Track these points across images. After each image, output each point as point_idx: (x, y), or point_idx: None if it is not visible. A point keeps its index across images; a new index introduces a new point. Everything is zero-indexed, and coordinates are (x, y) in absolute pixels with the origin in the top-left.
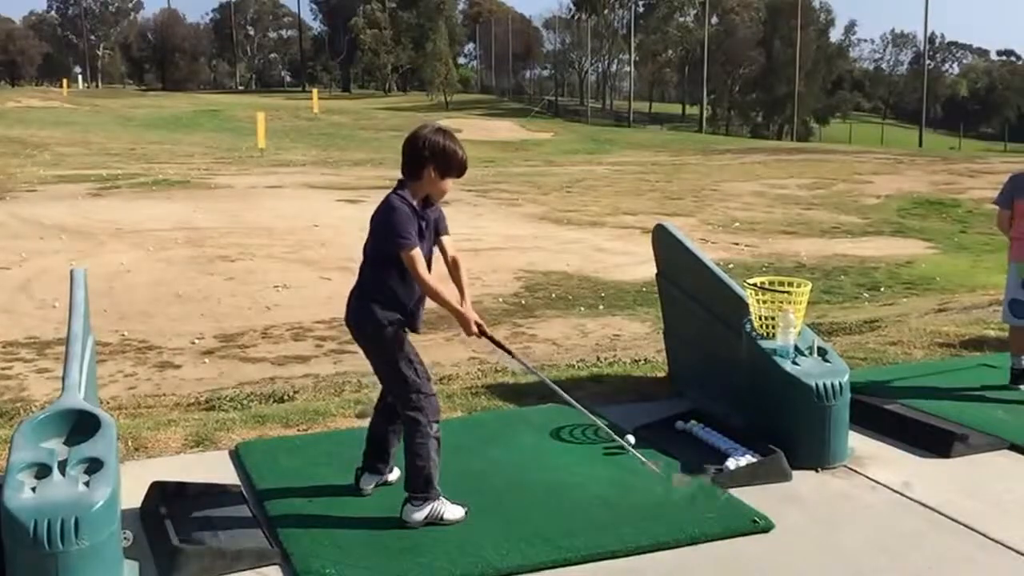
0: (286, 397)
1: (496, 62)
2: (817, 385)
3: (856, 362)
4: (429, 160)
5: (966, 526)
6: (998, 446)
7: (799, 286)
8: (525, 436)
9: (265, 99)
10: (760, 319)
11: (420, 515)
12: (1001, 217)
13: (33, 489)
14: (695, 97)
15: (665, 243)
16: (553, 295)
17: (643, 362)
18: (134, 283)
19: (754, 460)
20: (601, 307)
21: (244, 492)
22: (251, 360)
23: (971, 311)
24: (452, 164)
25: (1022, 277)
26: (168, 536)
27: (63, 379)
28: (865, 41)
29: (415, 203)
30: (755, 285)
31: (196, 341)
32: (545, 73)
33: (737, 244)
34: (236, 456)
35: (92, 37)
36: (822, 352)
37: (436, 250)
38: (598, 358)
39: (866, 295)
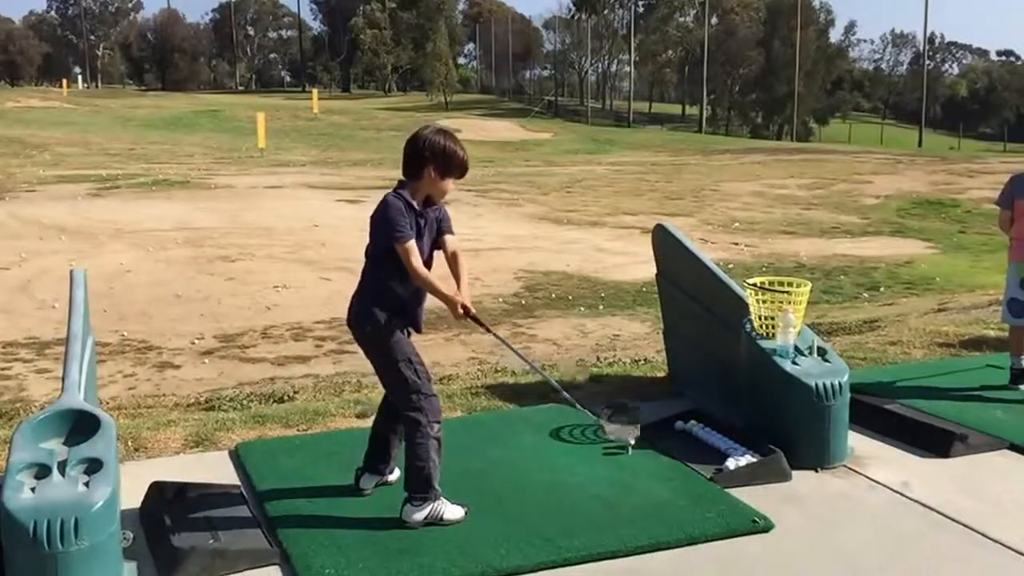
0: (286, 397)
1: (496, 62)
2: (817, 385)
3: (856, 362)
4: (429, 160)
5: (965, 526)
6: (997, 446)
7: (799, 286)
8: (525, 436)
9: (265, 99)
10: (760, 319)
11: (420, 515)
12: (1002, 217)
13: (33, 489)
14: (695, 97)
15: (665, 243)
16: (553, 295)
17: (643, 362)
18: (134, 283)
19: (754, 460)
20: (601, 307)
21: (244, 492)
22: (251, 360)
23: (970, 311)
24: (452, 164)
25: (1021, 276)
26: (168, 536)
27: (63, 379)
28: (865, 41)
29: (414, 202)
30: (755, 285)
31: (196, 341)
32: (545, 73)
33: (737, 244)
34: (236, 456)
35: (92, 37)
36: (822, 352)
37: (439, 252)
38: (598, 358)
39: (866, 295)
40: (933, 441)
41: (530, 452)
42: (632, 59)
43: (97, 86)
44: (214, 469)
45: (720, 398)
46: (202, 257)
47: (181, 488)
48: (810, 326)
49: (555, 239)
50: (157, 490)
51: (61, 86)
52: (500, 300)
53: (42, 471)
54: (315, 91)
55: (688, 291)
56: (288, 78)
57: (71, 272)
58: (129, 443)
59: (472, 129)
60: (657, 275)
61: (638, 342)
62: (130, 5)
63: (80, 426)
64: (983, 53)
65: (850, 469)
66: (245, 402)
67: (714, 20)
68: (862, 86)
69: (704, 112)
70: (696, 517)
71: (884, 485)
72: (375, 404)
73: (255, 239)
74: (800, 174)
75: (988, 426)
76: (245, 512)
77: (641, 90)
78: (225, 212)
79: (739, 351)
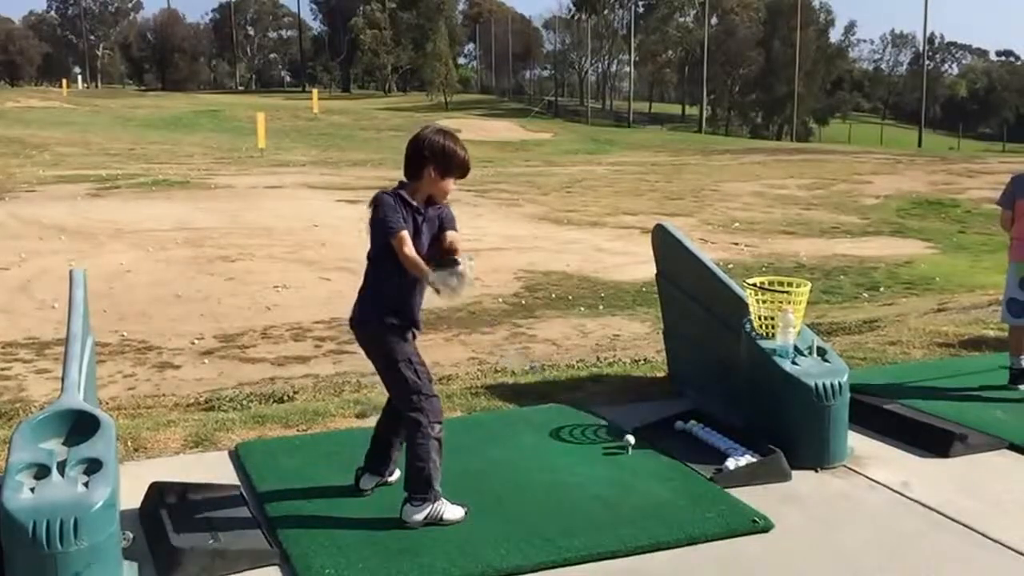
0: (286, 397)
1: (496, 62)
2: (816, 385)
3: (855, 362)
4: (429, 160)
5: (965, 526)
6: (997, 446)
7: (798, 286)
8: (525, 436)
9: (265, 99)
10: (760, 319)
11: (420, 515)
12: (1003, 217)
13: (32, 490)
14: (695, 97)
15: (665, 243)
16: (553, 295)
17: (643, 362)
18: (134, 283)
19: (754, 460)
20: (601, 307)
21: (244, 492)
22: (251, 360)
23: (970, 311)
24: (452, 164)
25: (1021, 276)
26: (167, 537)
27: (62, 379)
28: (864, 41)
29: (413, 201)
30: (755, 285)
31: (196, 341)
32: (545, 73)
33: (737, 244)
34: (236, 456)
35: (92, 37)
36: (821, 352)
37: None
38: (598, 358)
39: (865, 295)
40: (933, 441)
41: (530, 452)
42: (632, 59)
43: (97, 86)
44: (214, 469)
45: (720, 398)
46: (202, 257)
47: (181, 488)
48: (810, 326)
49: (555, 239)
50: (157, 490)
51: (61, 86)
52: (500, 300)
53: (42, 471)
54: (315, 91)
55: (688, 291)
56: (288, 78)
57: (71, 272)
58: (129, 443)
59: (472, 129)
60: (657, 275)
61: (638, 342)
62: (130, 5)
63: (80, 426)
64: (983, 53)
65: (850, 469)
66: (245, 402)
67: (714, 20)
68: (862, 86)
69: (704, 112)
70: (696, 517)
71: (884, 485)
72: (375, 404)
73: (255, 239)
74: (800, 174)
75: (988, 426)
76: (245, 512)
77: (641, 90)
78: (225, 212)
79: (739, 351)
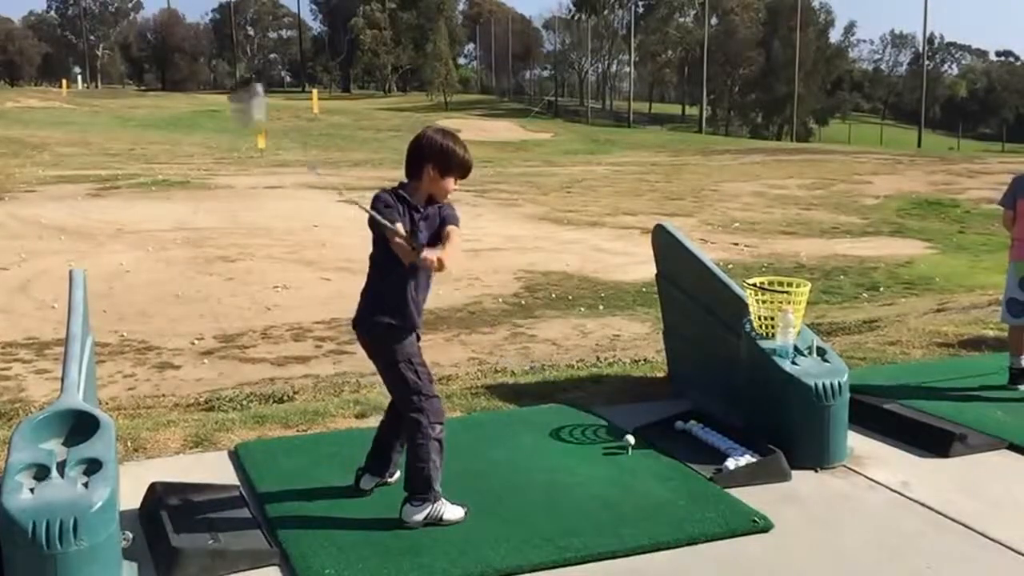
0: (286, 398)
1: (496, 62)
2: (816, 385)
3: (855, 362)
4: (428, 159)
5: (965, 526)
6: (997, 446)
7: (798, 286)
8: (525, 436)
9: (265, 99)
10: (759, 319)
11: (419, 516)
12: (1005, 217)
13: (32, 490)
14: (695, 98)
15: (665, 243)
16: (553, 295)
17: (643, 362)
18: (133, 284)
19: (753, 460)
20: (601, 307)
21: (243, 493)
22: (251, 361)
23: (970, 311)
24: (451, 163)
25: (1020, 276)
26: (167, 537)
27: (62, 380)
28: (864, 42)
29: (411, 199)
30: (754, 285)
31: (196, 342)
32: (545, 73)
33: (736, 244)
34: (235, 457)
35: (92, 37)
36: (821, 352)
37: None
38: (598, 358)
39: (865, 295)
40: (933, 441)
41: (530, 452)
42: (632, 59)
43: (97, 86)
44: (214, 469)
45: (720, 398)
46: (202, 257)
47: (181, 488)
48: (810, 326)
49: (555, 239)
50: (157, 490)
51: (61, 86)
52: (500, 300)
53: (41, 471)
54: (315, 91)
55: (688, 291)
56: (288, 78)
57: (70, 272)
58: (128, 443)
59: (472, 129)
60: (657, 275)
61: (638, 342)
62: (130, 5)
63: (79, 426)
64: (982, 53)
65: (850, 469)
66: (245, 402)
67: (714, 20)
68: (862, 86)
69: (704, 112)
70: (696, 517)
71: (884, 485)
72: (375, 404)
73: (255, 239)
74: (800, 174)
75: (988, 426)
76: (245, 512)
77: (641, 90)
78: (225, 212)
79: (739, 351)
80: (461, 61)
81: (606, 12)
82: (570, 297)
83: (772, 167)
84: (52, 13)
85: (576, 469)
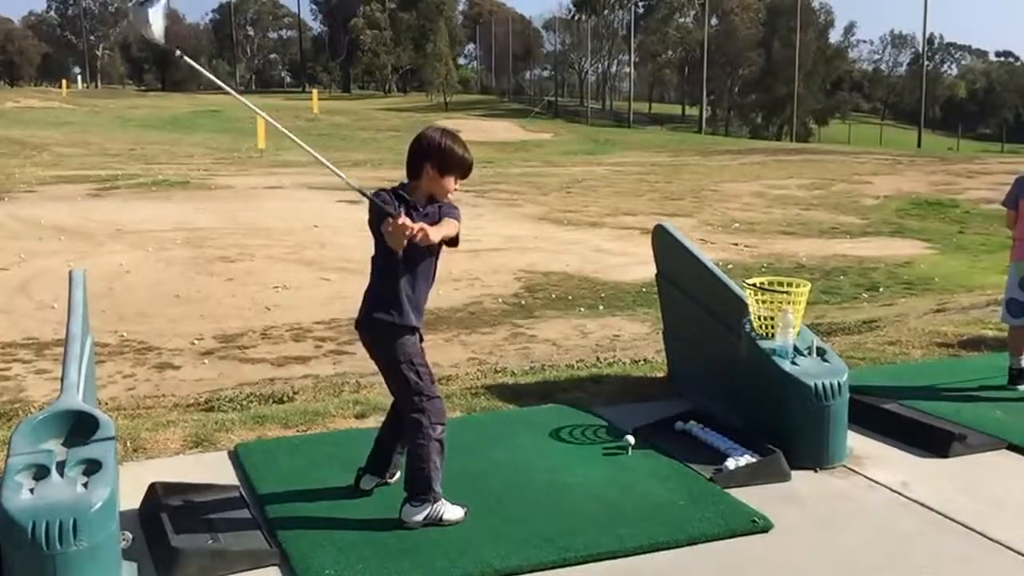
0: (285, 398)
1: (496, 63)
2: (816, 385)
3: (855, 362)
4: (427, 158)
5: (965, 526)
6: (996, 446)
7: (798, 286)
8: (525, 436)
9: (265, 99)
10: (759, 319)
11: (419, 516)
12: (1008, 217)
13: (31, 490)
14: (695, 98)
15: (665, 243)
16: (553, 295)
17: (643, 362)
18: (133, 284)
19: (753, 460)
20: (601, 307)
21: (243, 493)
22: (250, 361)
23: (969, 311)
24: (451, 162)
25: (1021, 276)
26: (167, 537)
27: (62, 380)
28: (864, 42)
29: (412, 199)
30: (754, 285)
31: (195, 342)
32: (545, 74)
33: (736, 244)
34: (235, 457)
35: (91, 37)
36: (821, 352)
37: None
38: (598, 358)
39: (865, 295)
40: (932, 441)
41: (530, 452)
42: (632, 60)
43: (97, 86)
44: (213, 470)
45: (720, 398)
46: (202, 257)
47: (180, 489)
48: (809, 326)
49: (555, 239)
50: (156, 491)
51: (60, 86)
52: (500, 300)
53: (41, 472)
54: (315, 91)
55: (688, 291)
56: (288, 78)
57: (70, 272)
58: (128, 444)
59: (472, 129)
60: (657, 275)
61: (638, 342)
62: (130, 5)
63: (79, 427)
64: (982, 54)
65: (849, 469)
66: (245, 403)
67: (714, 21)
68: (862, 87)
69: (704, 113)
70: (696, 517)
71: (883, 485)
72: (374, 404)
73: (255, 239)
74: (800, 174)
75: (987, 426)
76: (244, 513)
77: (641, 91)
78: (225, 212)
79: (739, 351)
80: (461, 61)
81: (606, 12)
82: (570, 297)
83: (772, 167)
84: (52, 13)
85: (576, 469)
